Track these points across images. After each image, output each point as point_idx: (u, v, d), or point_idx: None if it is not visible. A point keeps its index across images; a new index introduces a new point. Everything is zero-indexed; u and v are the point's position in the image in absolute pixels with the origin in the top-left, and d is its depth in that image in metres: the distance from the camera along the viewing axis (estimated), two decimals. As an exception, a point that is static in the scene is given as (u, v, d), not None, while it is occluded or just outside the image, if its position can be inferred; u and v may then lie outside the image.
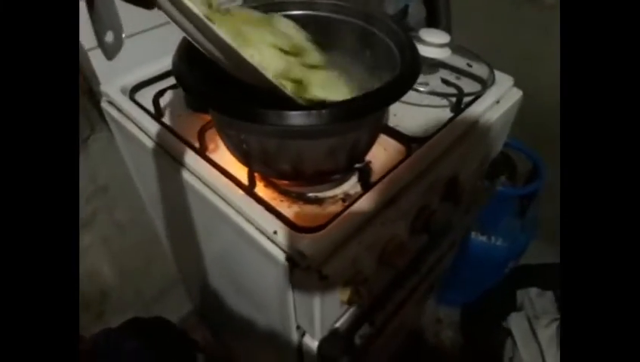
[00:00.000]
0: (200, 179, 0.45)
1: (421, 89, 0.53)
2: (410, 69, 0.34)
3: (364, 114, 0.31)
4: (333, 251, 0.38)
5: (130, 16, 0.30)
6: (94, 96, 0.60)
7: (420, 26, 1.08)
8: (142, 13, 0.31)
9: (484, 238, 0.88)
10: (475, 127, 0.53)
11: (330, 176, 0.41)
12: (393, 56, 0.40)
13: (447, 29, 1.02)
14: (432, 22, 1.04)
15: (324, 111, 0.30)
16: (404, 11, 1.02)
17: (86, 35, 0.52)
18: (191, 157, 0.46)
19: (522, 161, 0.98)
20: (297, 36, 0.42)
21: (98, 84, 0.58)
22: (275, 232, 0.37)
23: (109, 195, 0.73)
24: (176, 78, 0.35)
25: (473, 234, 0.87)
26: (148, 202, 0.73)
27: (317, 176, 0.40)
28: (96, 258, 0.78)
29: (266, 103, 0.31)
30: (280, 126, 0.30)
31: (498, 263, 0.92)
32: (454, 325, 1.03)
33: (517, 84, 0.59)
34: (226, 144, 0.42)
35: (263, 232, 0.39)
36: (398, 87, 0.33)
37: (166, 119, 0.52)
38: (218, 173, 0.44)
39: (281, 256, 0.37)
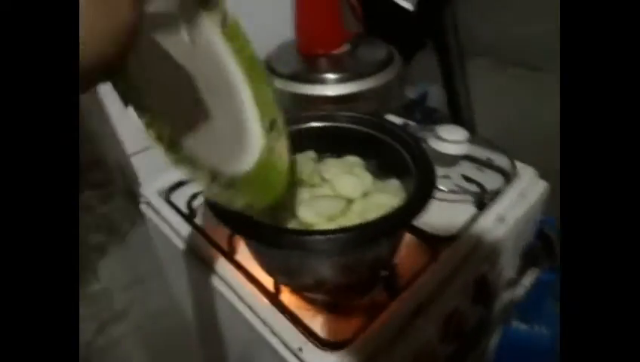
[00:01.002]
0: (227, 283, 0.47)
1: (442, 188, 0.54)
2: (425, 188, 0.36)
3: (378, 237, 0.32)
4: (361, 368, 0.37)
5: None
6: (135, 195, 0.65)
7: (441, 108, 1.12)
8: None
9: (525, 327, 0.82)
10: (501, 224, 0.52)
11: (355, 289, 0.41)
12: (405, 163, 0.42)
13: (468, 112, 1.05)
14: (452, 105, 1.07)
15: (343, 235, 0.32)
16: (424, 96, 1.07)
17: (129, 140, 0.59)
18: (219, 261, 0.48)
19: (559, 237, 0.93)
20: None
21: (139, 185, 0.63)
22: (300, 349, 0.37)
23: (144, 286, 0.75)
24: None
25: (514, 324, 0.81)
26: (179, 295, 0.75)
27: (341, 290, 0.40)
28: (130, 347, 0.79)
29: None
30: (296, 250, 0.32)
31: (545, 352, 0.85)
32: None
33: (542, 176, 0.59)
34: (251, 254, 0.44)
35: (288, 347, 0.39)
36: (417, 204, 0.34)
37: (198, 220, 0.56)
38: (245, 278, 0.46)
39: (306, 375, 0.37)
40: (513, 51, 0.96)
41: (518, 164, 0.59)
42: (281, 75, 0.59)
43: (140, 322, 0.78)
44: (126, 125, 0.58)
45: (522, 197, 0.56)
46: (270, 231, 0.33)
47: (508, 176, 0.57)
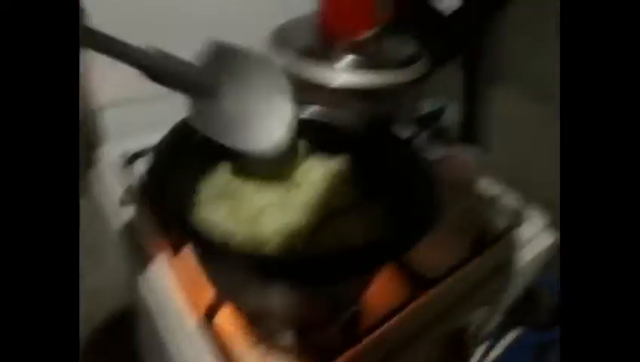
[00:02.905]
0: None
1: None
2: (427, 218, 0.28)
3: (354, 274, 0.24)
4: None
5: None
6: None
7: (453, 129, 1.04)
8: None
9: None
10: (498, 272, 0.45)
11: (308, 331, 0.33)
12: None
13: (483, 138, 0.97)
14: (467, 128, 0.99)
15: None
16: (440, 112, 0.99)
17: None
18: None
19: (547, 296, 0.86)
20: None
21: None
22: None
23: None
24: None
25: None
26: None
27: (289, 324, 0.32)
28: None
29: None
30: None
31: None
32: None
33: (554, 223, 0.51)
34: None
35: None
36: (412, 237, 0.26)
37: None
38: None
39: None
40: (544, 85, 0.89)
41: (528, 210, 0.51)
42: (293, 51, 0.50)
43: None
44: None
45: (525, 247, 0.48)
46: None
47: (514, 220, 0.49)
